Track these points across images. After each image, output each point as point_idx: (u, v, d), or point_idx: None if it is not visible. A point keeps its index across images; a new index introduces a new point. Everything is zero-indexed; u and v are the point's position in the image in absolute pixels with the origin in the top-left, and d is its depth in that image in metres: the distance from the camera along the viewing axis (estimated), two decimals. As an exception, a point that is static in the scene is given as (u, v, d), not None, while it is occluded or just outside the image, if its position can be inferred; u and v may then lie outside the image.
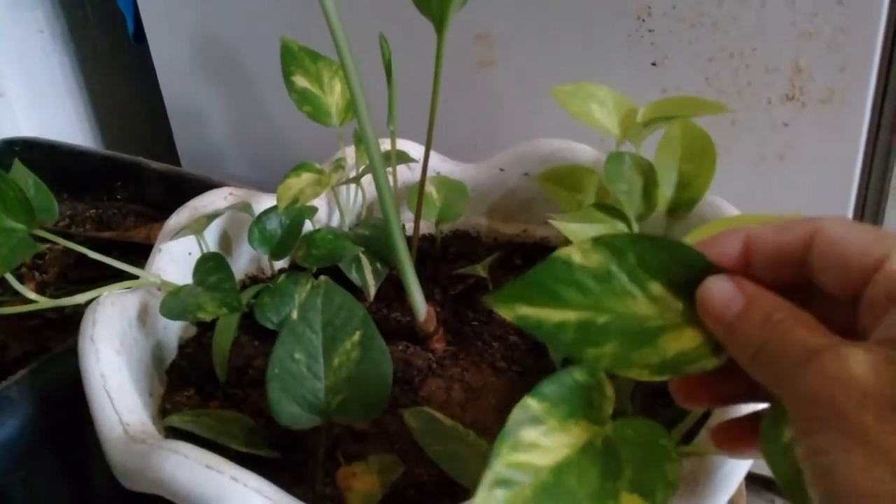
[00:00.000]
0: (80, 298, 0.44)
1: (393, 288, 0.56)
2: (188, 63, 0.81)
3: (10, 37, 0.88)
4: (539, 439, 0.26)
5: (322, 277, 0.39)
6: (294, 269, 0.58)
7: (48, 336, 0.56)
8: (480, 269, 0.52)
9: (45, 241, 0.40)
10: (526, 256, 0.59)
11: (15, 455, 0.46)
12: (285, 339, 0.37)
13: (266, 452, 0.40)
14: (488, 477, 0.25)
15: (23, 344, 0.55)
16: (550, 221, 0.45)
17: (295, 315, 0.37)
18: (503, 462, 0.25)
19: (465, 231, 0.62)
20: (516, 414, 0.26)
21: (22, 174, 0.64)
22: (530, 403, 0.27)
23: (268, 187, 0.59)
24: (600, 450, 0.27)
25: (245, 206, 0.52)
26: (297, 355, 0.37)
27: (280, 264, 0.58)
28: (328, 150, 0.59)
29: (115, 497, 0.54)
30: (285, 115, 0.79)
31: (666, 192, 0.51)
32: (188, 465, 0.33)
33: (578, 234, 0.45)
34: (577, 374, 0.28)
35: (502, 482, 0.25)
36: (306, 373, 0.36)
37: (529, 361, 0.49)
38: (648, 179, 0.51)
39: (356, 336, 0.37)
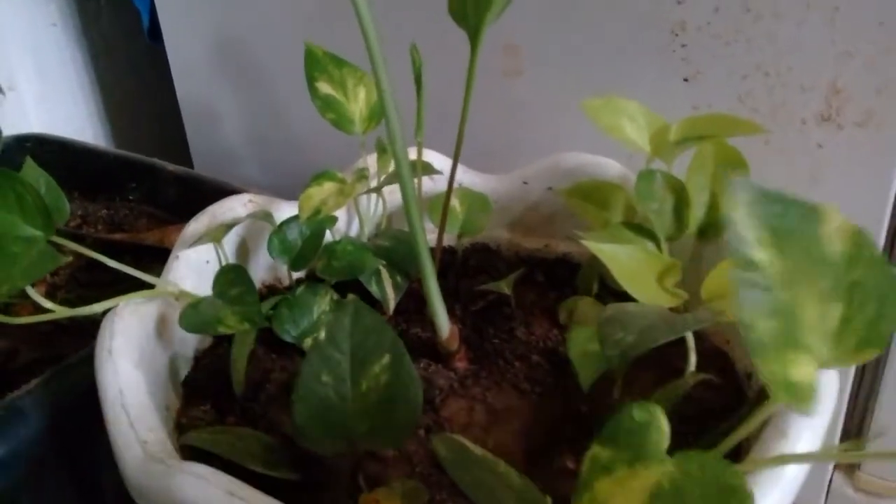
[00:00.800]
0: (96, 308, 0.42)
1: (412, 301, 0.55)
2: (205, 62, 0.80)
3: (23, 30, 0.87)
4: (613, 489, 0.25)
5: (350, 297, 0.37)
6: (312, 279, 0.57)
7: (60, 342, 0.55)
8: (504, 286, 0.51)
9: (60, 247, 0.39)
10: (548, 272, 0.58)
11: (24, 467, 0.45)
12: (312, 360, 0.35)
13: (285, 474, 0.39)
14: None
15: (33, 350, 0.54)
16: (581, 240, 0.44)
17: (323, 336, 0.36)
18: None
19: (485, 244, 0.61)
20: (588, 465, 0.26)
21: (34, 173, 0.63)
22: (599, 453, 0.26)
23: (282, 192, 0.58)
24: (669, 493, 0.26)
25: (266, 216, 0.51)
26: (324, 378, 0.35)
27: (297, 274, 0.57)
28: (346, 156, 0.58)
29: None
30: (303, 120, 0.78)
31: (697, 212, 0.50)
32: (211, 492, 0.31)
33: (610, 254, 0.44)
34: (636, 413, 0.27)
35: None
36: (333, 396, 0.35)
37: (551, 381, 0.48)
38: (680, 199, 0.49)
39: (385, 359, 0.36)
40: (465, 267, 0.59)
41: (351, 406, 0.35)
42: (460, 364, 0.49)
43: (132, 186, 0.73)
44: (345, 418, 0.35)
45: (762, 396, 0.38)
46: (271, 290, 0.56)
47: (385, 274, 0.53)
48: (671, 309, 0.42)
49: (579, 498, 0.25)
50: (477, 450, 0.35)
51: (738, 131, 0.48)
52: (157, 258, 0.54)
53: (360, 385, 0.36)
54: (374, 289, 0.52)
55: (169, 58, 0.82)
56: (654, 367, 0.46)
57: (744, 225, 0.27)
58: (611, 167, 0.55)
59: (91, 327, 0.56)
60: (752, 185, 0.27)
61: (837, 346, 0.28)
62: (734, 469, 0.28)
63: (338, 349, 0.36)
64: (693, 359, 0.40)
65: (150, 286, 0.46)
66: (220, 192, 0.57)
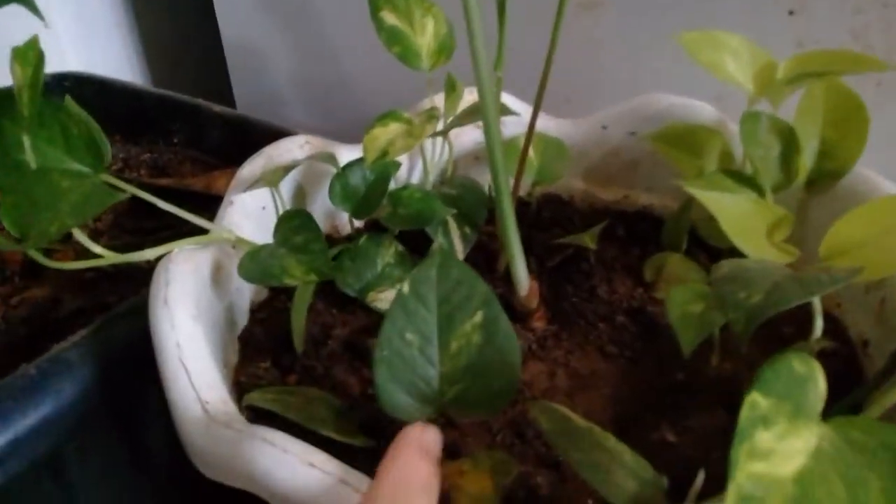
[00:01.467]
0: (148, 254, 0.39)
1: (480, 255, 0.51)
2: (250, -2, 0.75)
3: (58, -35, 0.82)
4: (774, 444, 0.22)
5: (435, 245, 0.33)
6: (372, 228, 0.52)
7: (103, 290, 0.52)
8: (588, 240, 0.46)
9: (118, 189, 0.35)
10: (628, 226, 0.53)
11: (71, 422, 0.41)
12: (396, 315, 0.31)
13: (360, 441, 0.35)
14: (732, 494, 0.21)
15: (77, 298, 0.51)
16: (686, 188, 0.39)
17: (406, 289, 0.32)
18: (744, 474, 0.21)
19: (557, 195, 0.57)
20: (746, 413, 0.22)
21: (74, 111, 0.59)
22: (758, 400, 0.23)
23: (331, 137, 0.53)
24: (833, 456, 0.23)
25: (328, 157, 0.47)
26: (408, 336, 0.31)
27: (357, 222, 0.53)
28: (401, 99, 0.53)
29: (174, 469, 0.50)
30: (354, 59, 0.73)
31: (806, 160, 0.45)
32: (288, 462, 0.28)
33: (717, 203, 0.39)
34: (796, 364, 0.24)
35: (747, 499, 0.21)
36: (419, 357, 0.31)
37: (641, 347, 0.44)
38: (788, 145, 0.44)
39: (478, 317, 0.31)
40: (537, 219, 0.54)
41: (439, 369, 0.31)
42: (539, 324, 0.45)
43: (175, 129, 0.69)
44: (432, 381, 0.31)
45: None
46: (329, 239, 0.52)
47: (453, 224, 0.49)
48: (785, 267, 0.38)
49: (738, 447, 0.22)
50: (581, 421, 0.31)
51: (858, 68, 0.43)
52: (202, 205, 0.50)
53: (450, 345, 0.31)
54: (441, 240, 0.48)
55: (212, -7, 0.77)
56: (755, 332, 0.42)
57: None
58: (704, 110, 0.50)
59: (136, 274, 0.53)
60: None
61: None
62: None
63: (423, 304, 0.32)
64: (820, 323, 0.35)
65: (203, 233, 0.42)
66: (270, 135, 0.53)
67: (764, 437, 0.22)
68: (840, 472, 0.23)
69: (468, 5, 0.34)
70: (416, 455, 0.28)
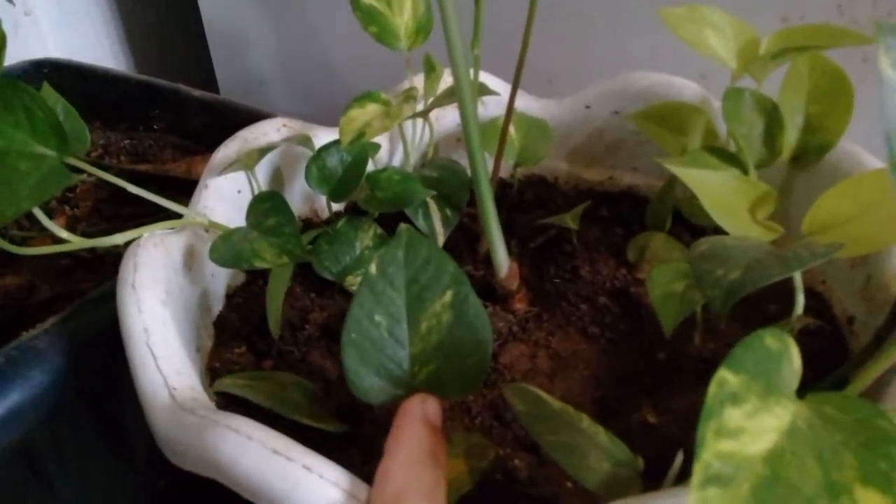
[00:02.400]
0: (118, 238, 0.38)
1: (462, 237, 0.50)
2: (230, -19, 0.74)
3: (39, -49, 0.81)
4: (744, 423, 0.21)
5: (402, 226, 0.32)
6: (352, 212, 0.52)
7: (79, 277, 0.51)
8: (570, 220, 0.46)
9: (78, 171, 0.34)
10: (612, 207, 0.52)
11: (43, 410, 0.40)
12: (363, 297, 0.30)
13: (333, 426, 0.34)
14: (699, 473, 0.20)
15: (52, 285, 0.50)
16: (667, 166, 0.38)
17: (374, 270, 0.31)
18: (711, 453, 0.20)
19: (541, 176, 0.56)
20: (714, 391, 0.21)
21: (51, 98, 0.58)
22: (727, 377, 0.22)
23: (315, 121, 0.52)
24: (807, 433, 0.22)
25: (304, 140, 0.46)
26: (377, 317, 0.30)
27: (336, 207, 0.52)
28: (383, 80, 0.52)
29: (151, 456, 0.49)
30: (336, 42, 0.72)
31: (790, 136, 0.44)
32: (253, 450, 0.27)
33: (698, 180, 0.38)
34: (769, 340, 0.23)
35: (714, 479, 0.20)
36: (388, 338, 0.30)
37: (623, 327, 0.43)
38: (772, 121, 0.43)
39: (447, 296, 0.31)
40: (520, 201, 0.53)
41: (409, 350, 0.31)
42: (519, 305, 0.44)
43: (156, 114, 0.68)
44: (402, 363, 0.31)
45: (884, 345, 0.33)
46: (308, 223, 0.51)
47: (433, 207, 0.48)
48: (767, 244, 0.37)
49: (705, 425, 0.21)
50: (556, 403, 0.30)
51: (841, 42, 0.42)
52: (183, 191, 0.49)
53: (420, 326, 0.31)
54: (421, 223, 0.47)
55: (192, -23, 0.76)
56: (738, 310, 0.41)
57: None
58: (687, 88, 0.49)
59: (114, 262, 0.52)
60: None
61: None
62: (883, 413, 0.23)
63: (391, 284, 0.31)
64: (801, 300, 0.34)
65: (177, 217, 0.42)
66: (251, 119, 0.52)
67: (733, 415, 0.21)
68: (814, 450, 0.22)
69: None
70: (421, 427, 0.29)
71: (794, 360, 0.24)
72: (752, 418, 0.22)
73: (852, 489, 0.21)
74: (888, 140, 0.23)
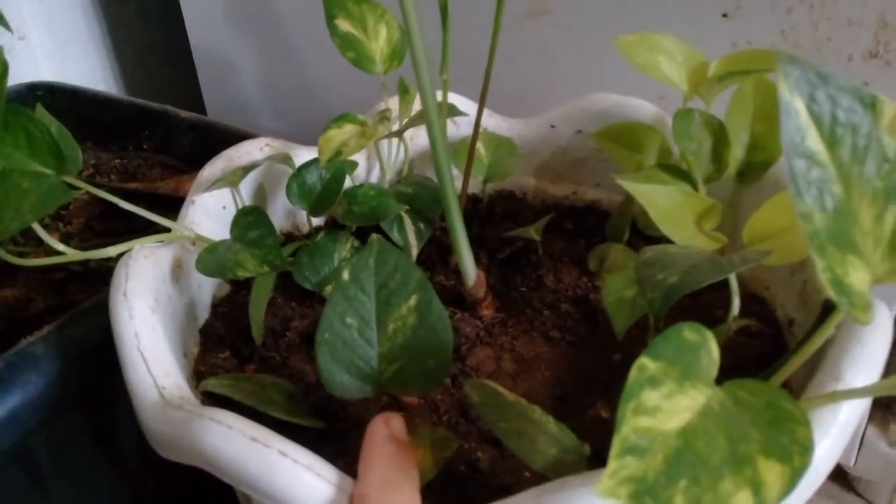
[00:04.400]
0: (110, 251, 0.41)
1: (435, 249, 0.53)
2: (218, 7, 0.77)
3: (33, -23, 0.84)
4: (660, 402, 0.24)
5: (374, 236, 0.35)
6: (331, 226, 0.55)
7: (73, 290, 0.54)
8: (533, 232, 0.49)
9: (74, 188, 0.37)
10: (576, 220, 0.55)
11: (39, 415, 0.43)
12: (336, 301, 0.34)
13: (309, 422, 0.37)
14: (617, 444, 0.23)
15: (46, 297, 0.53)
16: (619, 181, 0.41)
17: (346, 276, 0.34)
18: (629, 427, 0.23)
19: (510, 191, 0.59)
20: (634, 375, 0.24)
21: (45, 119, 0.61)
22: (646, 363, 0.25)
23: (296, 140, 0.56)
24: (718, 413, 0.25)
25: (285, 158, 0.49)
26: (348, 319, 0.33)
27: (317, 222, 0.55)
28: (363, 102, 0.55)
29: (143, 460, 0.52)
30: (318, 66, 0.75)
31: (737, 153, 0.48)
32: (232, 438, 0.30)
33: (647, 195, 0.42)
34: (687, 332, 0.26)
35: (631, 449, 0.23)
36: (358, 339, 0.33)
37: (582, 331, 0.46)
38: (719, 139, 0.47)
39: (412, 300, 0.34)
40: (490, 215, 0.57)
41: (378, 349, 0.34)
42: (487, 312, 0.47)
43: (145, 135, 0.71)
44: (371, 361, 0.34)
45: (807, 341, 0.36)
46: (289, 237, 0.54)
47: (407, 220, 0.51)
48: (711, 253, 0.40)
49: (625, 405, 0.24)
50: (510, 395, 0.33)
51: (781, 66, 0.45)
52: (171, 207, 0.52)
53: (387, 327, 0.34)
54: (395, 235, 0.50)
55: (181, 2, 0.79)
56: (689, 315, 0.44)
57: (798, 111, 0.25)
58: (644, 108, 0.52)
59: (105, 275, 0.55)
60: (806, 66, 0.25)
61: (892, 256, 0.26)
62: (788, 395, 0.26)
63: (362, 289, 0.34)
64: (737, 302, 0.37)
65: (166, 232, 0.45)
66: (237, 139, 0.55)
67: (651, 396, 0.24)
68: (724, 427, 0.25)
69: (406, 8, 0.37)
70: (390, 447, 0.30)
71: (713, 351, 0.28)
72: (668, 399, 0.25)
73: (755, 460, 0.24)
74: (788, 158, 0.26)
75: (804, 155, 0.25)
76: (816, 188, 0.25)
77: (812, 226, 0.25)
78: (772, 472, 0.24)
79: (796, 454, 0.24)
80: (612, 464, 0.23)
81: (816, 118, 0.25)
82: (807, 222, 0.25)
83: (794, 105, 0.25)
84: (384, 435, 0.31)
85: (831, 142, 0.25)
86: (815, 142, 0.25)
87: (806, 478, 0.24)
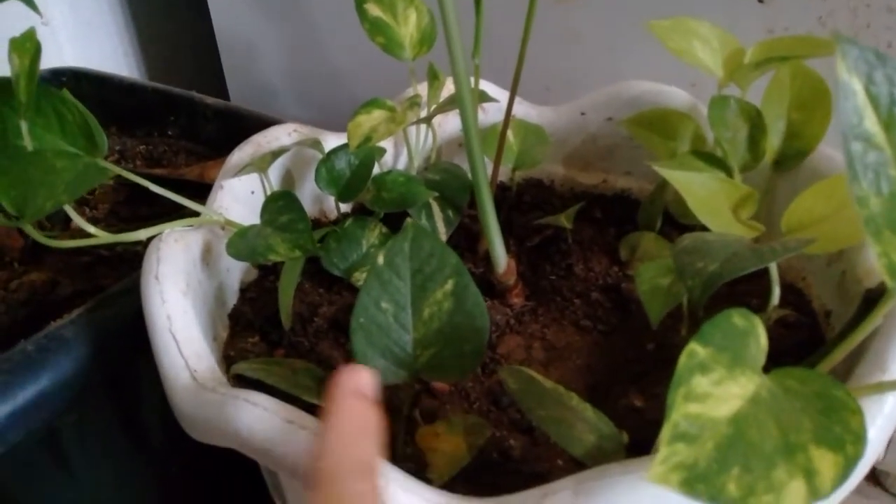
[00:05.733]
0: (141, 234, 0.41)
1: (463, 237, 0.53)
2: (242, -7, 0.77)
3: (56, -37, 0.84)
4: (711, 389, 0.24)
5: (409, 220, 0.35)
6: (359, 212, 0.54)
7: (100, 274, 0.54)
8: (564, 220, 0.48)
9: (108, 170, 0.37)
10: (605, 209, 0.55)
11: (67, 397, 0.43)
12: (371, 286, 0.33)
13: (342, 407, 0.37)
14: (667, 431, 0.23)
15: (73, 281, 0.53)
16: (655, 168, 0.41)
17: (381, 260, 0.33)
18: (680, 413, 0.23)
19: (539, 179, 0.58)
20: (684, 361, 0.24)
21: (73, 103, 0.61)
22: (697, 349, 0.24)
23: (321, 127, 0.55)
24: (769, 401, 0.24)
25: (314, 143, 0.49)
26: (383, 304, 0.33)
27: (344, 208, 0.54)
28: (389, 89, 0.55)
29: (168, 442, 0.52)
30: (344, 52, 0.74)
31: (773, 141, 0.47)
32: (267, 419, 0.30)
33: (684, 182, 0.41)
34: (736, 318, 0.26)
35: (682, 436, 0.23)
36: (393, 323, 0.33)
37: (614, 320, 0.45)
38: (755, 127, 0.46)
39: (448, 285, 0.33)
40: (518, 203, 0.56)
41: (413, 334, 0.33)
42: (516, 300, 0.47)
43: (170, 121, 0.71)
44: (406, 346, 0.33)
45: (851, 331, 0.36)
46: (316, 223, 0.54)
47: (436, 207, 0.51)
48: (748, 241, 0.39)
49: (675, 391, 0.24)
50: (546, 382, 0.33)
51: (820, 52, 0.44)
52: (196, 193, 0.52)
53: (422, 312, 0.33)
54: (424, 223, 0.50)
55: (205, -10, 0.79)
56: (725, 304, 0.43)
57: (856, 93, 0.24)
58: (677, 95, 0.52)
59: (132, 260, 0.55)
60: (864, 46, 0.24)
61: None
62: (840, 385, 0.26)
63: (397, 274, 0.34)
64: (777, 292, 0.37)
65: (194, 216, 0.44)
66: (262, 125, 0.55)
67: (701, 382, 0.24)
68: (774, 415, 0.24)
69: (446, 6, 0.36)
70: (353, 401, 0.29)
71: (761, 338, 0.27)
72: (718, 385, 0.24)
73: (808, 448, 0.23)
74: (845, 140, 0.25)
75: (861, 138, 0.24)
76: (873, 172, 0.24)
77: (868, 210, 0.24)
78: (824, 461, 0.23)
79: (849, 443, 0.23)
80: (664, 450, 0.22)
81: (874, 99, 0.25)
82: (863, 207, 0.24)
83: (853, 86, 0.24)
84: (349, 388, 0.29)
85: (888, 124, 0.25)
86: (872, 124, 0.25)
87: (853, 468, 0.23)
